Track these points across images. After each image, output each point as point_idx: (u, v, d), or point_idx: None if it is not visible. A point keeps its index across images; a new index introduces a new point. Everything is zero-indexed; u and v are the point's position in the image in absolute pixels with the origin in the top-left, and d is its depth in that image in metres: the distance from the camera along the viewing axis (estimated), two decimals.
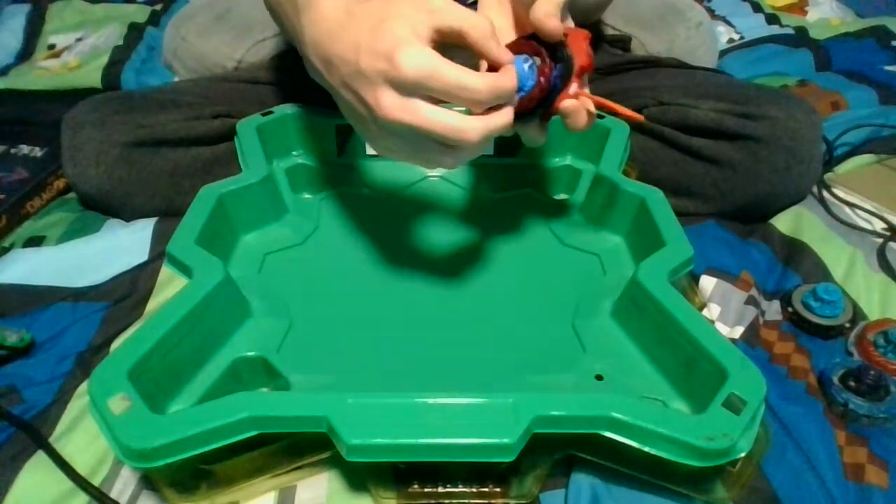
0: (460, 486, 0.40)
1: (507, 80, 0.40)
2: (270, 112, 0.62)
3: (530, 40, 0.44)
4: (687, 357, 0.42)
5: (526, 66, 0.42)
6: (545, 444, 0.39)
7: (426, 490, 0.40)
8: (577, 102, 0.43)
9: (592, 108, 0.44)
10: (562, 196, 0.64)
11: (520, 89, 0.42)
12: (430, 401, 0.37)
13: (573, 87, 0.43)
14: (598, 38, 0.81)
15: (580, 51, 0.43)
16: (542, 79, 0.42)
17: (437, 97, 0.39)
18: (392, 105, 0.38)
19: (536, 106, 0.43)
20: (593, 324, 0.49)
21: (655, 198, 0.54)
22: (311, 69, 0.46)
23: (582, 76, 0.43)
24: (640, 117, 0.44)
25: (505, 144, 0.65)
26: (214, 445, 0.36)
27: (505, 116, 0.41)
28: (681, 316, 0.43)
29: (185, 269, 0.47)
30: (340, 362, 0.47)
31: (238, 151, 0.61)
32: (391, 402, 0.37)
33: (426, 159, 0.42)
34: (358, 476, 0.41)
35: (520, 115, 0.43)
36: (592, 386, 0.44)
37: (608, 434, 0.37)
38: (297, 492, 0.41)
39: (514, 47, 0.44)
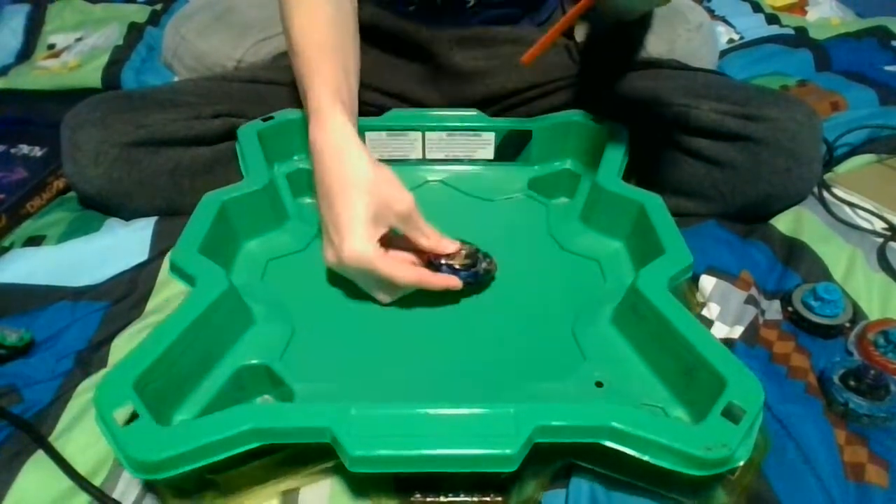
0: (462, 495, 0.40)
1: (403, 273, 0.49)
2: (271, 117, 0.62)
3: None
4: (686, 365, 0.42)
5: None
6: (546, 453, 0.39)
7: (428, 499, 0.40)
8: None
9: None
10: (561, 201, 0.64)
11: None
12: (433, 412, 0.37)
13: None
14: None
15: None
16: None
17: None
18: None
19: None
20: (593, 331, 0.49)
21: (654, 204, 0.54)
22: None
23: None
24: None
25: (505, 149, 0.65)
26: (219, 457, 0.36)
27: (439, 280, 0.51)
28: (680, 324, 0.43)
29: (188, 278, 0.47)
30: (343, 370, 0.47)
31: (239, 157, 0.61)
32: (394, 413, 0.37)
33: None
34: (361, 482, 0.41)
35: None
36: (592, 393, 0.44)
37: (608, 443, 0.37)
38: (300, 497, 0.41)
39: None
